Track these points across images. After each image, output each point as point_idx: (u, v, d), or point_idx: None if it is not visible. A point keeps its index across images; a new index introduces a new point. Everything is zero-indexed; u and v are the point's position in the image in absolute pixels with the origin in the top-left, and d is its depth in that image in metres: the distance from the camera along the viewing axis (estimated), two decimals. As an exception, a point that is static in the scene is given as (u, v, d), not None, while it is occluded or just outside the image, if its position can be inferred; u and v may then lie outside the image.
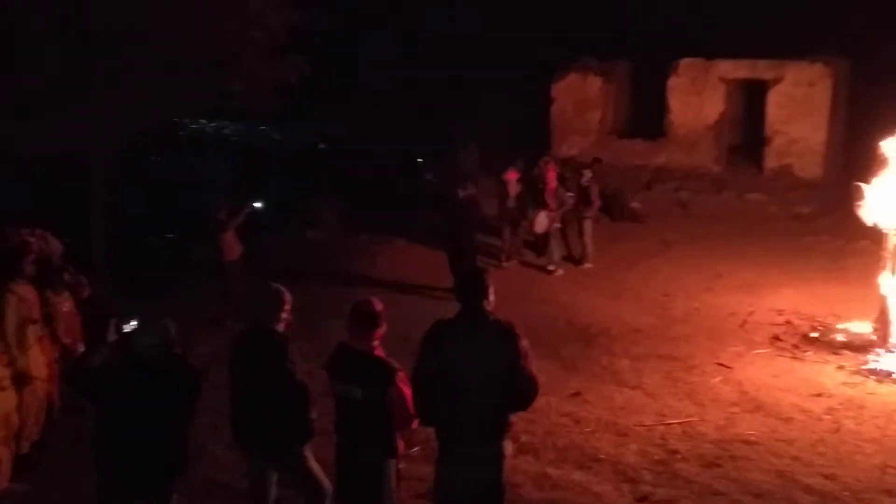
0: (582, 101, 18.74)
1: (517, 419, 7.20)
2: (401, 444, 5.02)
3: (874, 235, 9.61)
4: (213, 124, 29.03)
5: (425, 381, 4.70)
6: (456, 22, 20.41)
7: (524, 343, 4.66)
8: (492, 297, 4.74)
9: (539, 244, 13.27)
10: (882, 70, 15.62)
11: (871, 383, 8.46)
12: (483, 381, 4.57)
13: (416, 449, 5.82)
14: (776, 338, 9.85)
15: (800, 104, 16.72)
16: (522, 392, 4.66)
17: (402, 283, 12.13)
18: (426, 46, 20.71)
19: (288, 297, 5.22)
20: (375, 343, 4.95)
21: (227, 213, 10.40)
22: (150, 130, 14.10)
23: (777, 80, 16.98)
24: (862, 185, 9.14)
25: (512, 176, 13.11)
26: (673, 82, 18.00)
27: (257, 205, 11.24)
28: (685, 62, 17.85)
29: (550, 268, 12.86)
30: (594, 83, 18.78)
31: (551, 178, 12.94)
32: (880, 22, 15.74)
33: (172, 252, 15.27)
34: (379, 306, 4.97)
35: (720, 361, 9.08)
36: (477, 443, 4.67)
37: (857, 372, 8.73)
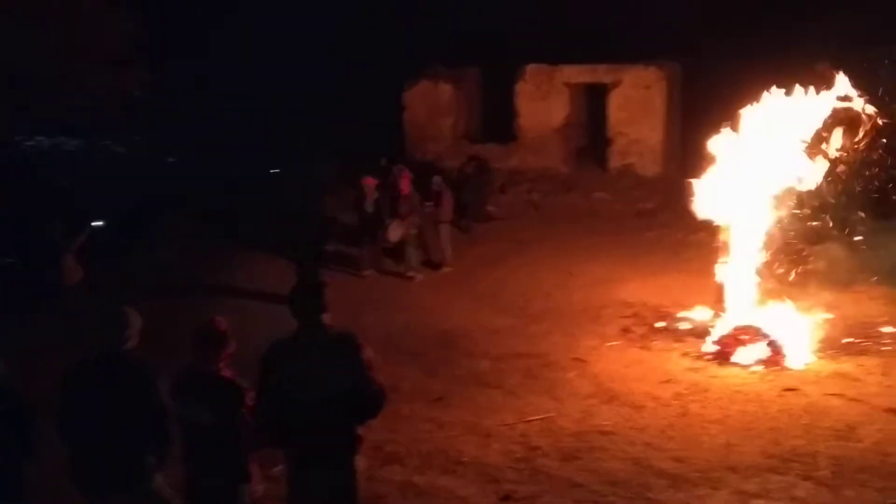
0: (434, 107, 19.01)
1: (381, 429, 7.24)
2: (254, 468, 4.88)
3: (709, 228, 10.23)
4: (50, 140, 27.32)
5: (269, 402, 4.58)
6: (309, 29, 20.15)
7: (368, 353, 4.60)
8: (329, 309, 4.64)
9: (397, 251, 13.30)
10: (710, 73, 16.66)
11: (713, 367, 9.00)
12: (328, 396, 4.49)
13: (278, 468, 5.68)
14: (626, 330, 10.31)
15: (638, 106, 17.64)
16: (369, 403, 4.60)
17: (260, 296, 11.82)
18: (278, 54, 20.33)
19: (135, 318, 4.96)
20: (222, 364, 4.79)
21: (66, 235, 9.81)
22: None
23: (616, 84, 17.86)
24: (694, 181, 9.72)
25: (370, 182, 13.08)
26: (520, 88, 18.58)
27: (97, 224, 10.59)
28: (531, 68, 18.47)
29: (409, 274, 12.93)
30: (445, 90, 19.09)
31: (405, 184, 13.01)
32: (708, 28, 16.83)
33: (11, 277, 14.22)
34: (223, 325, 4.82)
35: (576, 356, 9.40)
36: (328, 461, 4.60)
37: (700, 357, 9.26)
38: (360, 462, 4.78)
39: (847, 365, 8.96)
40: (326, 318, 4.61)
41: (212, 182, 17.56)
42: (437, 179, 13.42)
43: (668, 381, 8.59)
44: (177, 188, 17.56)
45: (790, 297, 10.34)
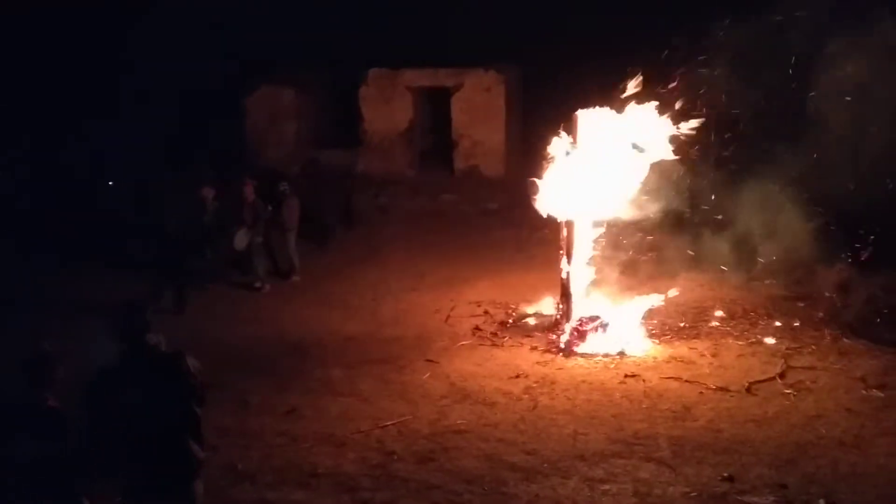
0: (275, 112, 18.64)
1: (231, 446, 7.00)
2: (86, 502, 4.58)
3: (551, 225, 10.57)
4: None
5: (99, 432, 4.31)
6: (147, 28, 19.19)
7: (196, 368, 4.41)
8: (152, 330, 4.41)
9: (243, 261, 12.90)
10: (546, 76, 17.24)
11: (560, 359, 9.31)
12: (159, 419, 4.28)
13: (116, 501, 5.35)
14: (477, 328, 10.48)
15: (479, 109, 18.03)
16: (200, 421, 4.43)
17: (90, 314, 11.04)
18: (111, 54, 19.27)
19: None
20: (49, 391, 4.45)
21: None
22: None
23: (458, 88, 18.18)
24: (535, 180, 10.01)
25: (208, 192, 12.61)
26: (364, 92, 18.57)
27: None
28: (373, 72, 18.49)
29: (257, 284, 12.58)
30: (287, 95, 18.76)
31: (248, 192, 12.66)
32: (544, 33, 17.41)
33: None
34: (50, 348, 4.49)
35: (428, 357, 9.45)
36: (165, 489, 4.37)
37: (548, 350, 9.55)
38: (199, 487, 4.54)
39: (682, 349, 9.52)
40: (150, 337, 4.37)
41: (35, 193, 16.43)
42: (283, 185, 13.14)
43: (518, 377, 8.81)
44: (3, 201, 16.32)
45: (629, 287, 10.89)
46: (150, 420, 4.27)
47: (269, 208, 12.80)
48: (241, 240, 12.44)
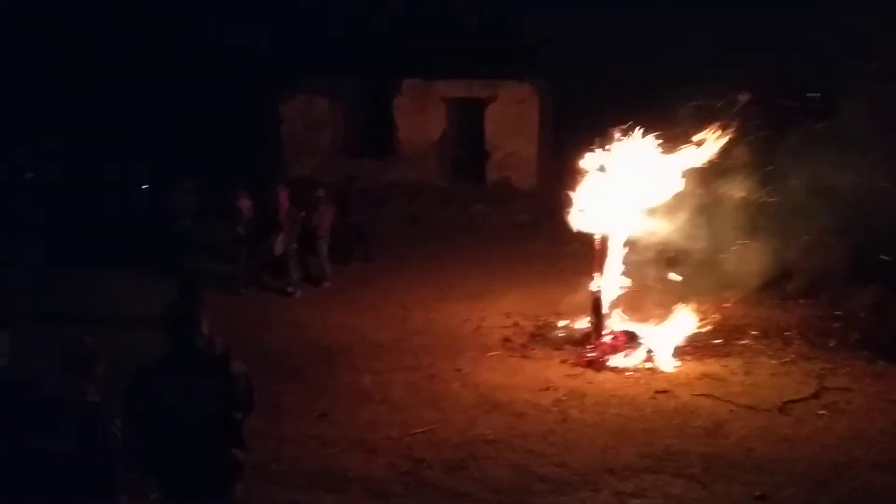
0: (311, 121, 18.83)
1: (263, 448, 7.07)
2: (123, 499, 4.64)
3: (584, 239, 10.56)
4: None
5: (139, 429, 4.35)
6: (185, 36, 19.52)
7: (244, 373, 4.44)
8: (205, 330, 4.42)
9: (276, 267, 13.04)
10: (581, 90, 17.25)
11: (590, 373, 9.28)
12: (202, 420, 4.29)
13: (153, 496, 5.43)
14: (506, 339, 10.49)
15: (513, 121, 18.08)
16: (245, 423, 4.46)
17: (125, 317, 11.24)
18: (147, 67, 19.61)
19: (4, 339, 4.67)
20: (90, 388, 4.53)
21: None
22: None
23: (492, 99, 18.25)
24: (569, 193, 10.03)
25: (244, 203, 12.81)
26: (398, 102, 18.71)
27: None
28: (408, 82, 18.63)
29: (289, 290, 12.71)
30: (322, 103, 18.95)
31: (283, 199, 12.80)
32: (579, 46, 17.44)
33: None
34: (91, 345, 4.56)
35: (458, 367, 9.48)
36: (204, 490, 4.39)
37: (578, 364, 9.53)
38: (240, 489, 4.59)
39: (713, 366, 9.45)
40: (200, 337, 4.40)
41: (73, 198, 16.73)
42: (319, 192, 13.27)
43: (547, 389, 8.80)
44: (36, 206, 16.62)
45: (661, 303, 10.83)
46: (190, 420, 4.30)
47: (303, 215, 12.94)
48: (278, 246, 12.60)
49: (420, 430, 7.70)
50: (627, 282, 10.32)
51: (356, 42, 18.91)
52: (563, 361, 9.65)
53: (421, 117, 18.56)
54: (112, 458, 4.49)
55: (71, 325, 10.56)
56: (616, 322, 10.13)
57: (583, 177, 10.00)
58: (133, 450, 4.42)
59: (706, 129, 9.74)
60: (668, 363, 9.44)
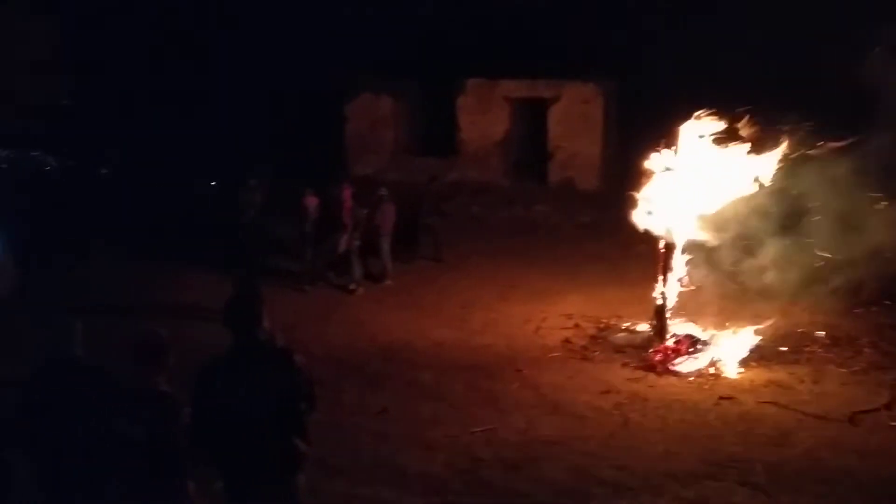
0: (375, 120, 18.99)
1: (324, 441, 7.15)
2: (191, 485, 4.77)
3: (648, 241, 10.42)
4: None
5: (206, 419, 4.46)
6: (244, 37, 19.91)
7: (304, 366, 4.51)
8: (266, 323, 4.51)
9: (339, 264, 13.20)
10: (645, 89, 17.02)
11: (652, 377, 9.16)
12: (266, 412, 4.38)
13: (217, 485, 5.55)
14: (567, 341, 10.42)
15: (577, 121, 17.92)
16: (308, 416, 4.52)
17: (195, 310, 11.51)
18: (215, 66, 20.05)
19: (79, 329, 4.86)
20: (161, 377, 4.67)
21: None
22: None
23: (555, 99, 18.13)
24: (635, 194, 9.90)
25: (311, 201, 13.01)
26: (461, 101, 18.73)
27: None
28: (472, 82, 18.64)
29: (351, 286, 12.85)
30: (386, 102, 19.10)
31: (347, 197, 12.96)
32: (644, 46, 17.22)
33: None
34: (163, 337, 4.70)
35: (518, 367, 9.46)
36: (268, 479, 4.48)
37: (640, 367, 9.41)
38: (302, 480, 4.67)
39: (780, 373, 9.23)
40: (262, 331, 4.49)
41: (144, 195, 17.19)
42: (382, 190, 13.38)
43: (608, 392, 8.71)
44: (109, 201, 17.13)
45: (726, 308, 10.61)
46: (255, 411, 4.39)
47: (366, 213, 13.07)
48: (341, 244, 12.75)
49: (479, 429, 7.71)
50: (692, 285, 10.14)
51: (421, 41, 19.01)
52: (625, 365, 9.54)
53: (484, 117, 18.55)
54: (180, 446, 4.63)
55: (140, 316, 10.89)
56: (679, 326, 9.96)
57: (649, 177, 9.87)
58: (199, 439, 4.54)
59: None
60: (732, 369, 9.26)
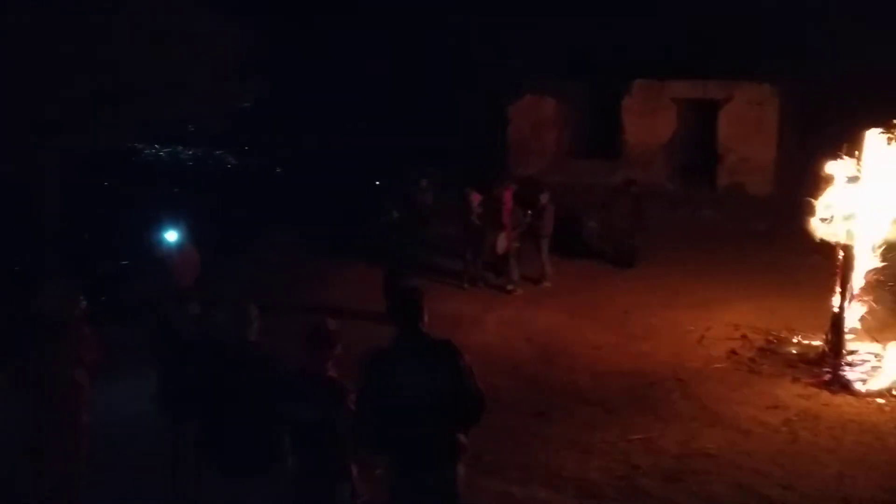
0: (538, 121, 18.98)
1: (481, 438, 7.26)
2: (354, 468, 4.99)
3: (825, 250, 9.83)
4: (166, 149, 28.66)
5: (370, 409, 4.66)
6: (402, 45, 20.50)
7: (466, 360, 4.62)
8: (426, 318, 4.69)
9: (498, 264, 13.32)
10: (826, 91, 16.06)
11: (825, 395, 8.63)
12: (428, 403, 4.53)
13: (379, 471, 5.76)
14: (733, 352, 10.01)
15: (750, 123, 17.13)
16: (469, 410, 4.61)
17: (359, 306, 11.97)
18: (377, 70, 20.79)
19: (256, 315, 5.19)
20: (329, 364, 4.93)
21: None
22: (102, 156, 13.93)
23: (727, 100, 17.42)
24: (813, 201, 9.37)
25: (475, 198, 13.21)
26: (627, 103, 18.36)
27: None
28: (638, 83, 18.23)
29: (510, 287, 12.93)
30: (550, 104, 19.05)
31: (508, 198, 13.05)
32: (824, 46, 16.25)
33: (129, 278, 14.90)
34: (333, 327, 4.96)
35: (680, 377, 9.19)
36: (429, 468, 4.63)
37: (812, 384, 8.89)
38: (462, 470, 4.79)
39: (974, 399, 8.45)
40: (423, 324, 4.67)
41: (314, 193, 18.07)
42: (545, 194, 13.37)
43: (776, 407, 8.31)
44: (282, 198, 18.15)
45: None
46: (418, 401, 4.56)
47: (529, 213, 13.11)
48: (501, 243, 12.87)
49: (637, 436, 7.57)
50: (871, 296, 9.47)
51: (585, 42, 18.83)
52: (796, 380, 9.04)
53: (650, 119, 18.10)
54: (346, 430, 4.86)
55: (308, 307, 11.44)
56: (858, 342, 9.33)
57: (828, 184, 9.30)
58: (364, 426, 4.75)
59: None
60: (918, 391, 8.57)
